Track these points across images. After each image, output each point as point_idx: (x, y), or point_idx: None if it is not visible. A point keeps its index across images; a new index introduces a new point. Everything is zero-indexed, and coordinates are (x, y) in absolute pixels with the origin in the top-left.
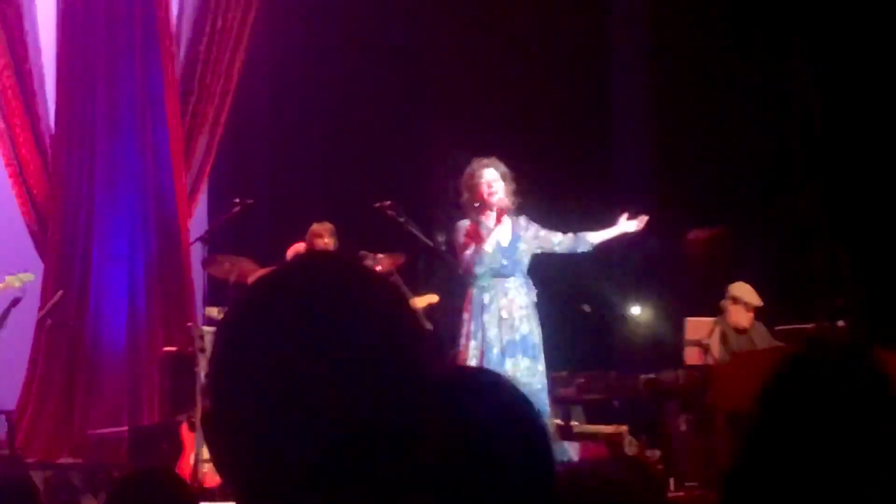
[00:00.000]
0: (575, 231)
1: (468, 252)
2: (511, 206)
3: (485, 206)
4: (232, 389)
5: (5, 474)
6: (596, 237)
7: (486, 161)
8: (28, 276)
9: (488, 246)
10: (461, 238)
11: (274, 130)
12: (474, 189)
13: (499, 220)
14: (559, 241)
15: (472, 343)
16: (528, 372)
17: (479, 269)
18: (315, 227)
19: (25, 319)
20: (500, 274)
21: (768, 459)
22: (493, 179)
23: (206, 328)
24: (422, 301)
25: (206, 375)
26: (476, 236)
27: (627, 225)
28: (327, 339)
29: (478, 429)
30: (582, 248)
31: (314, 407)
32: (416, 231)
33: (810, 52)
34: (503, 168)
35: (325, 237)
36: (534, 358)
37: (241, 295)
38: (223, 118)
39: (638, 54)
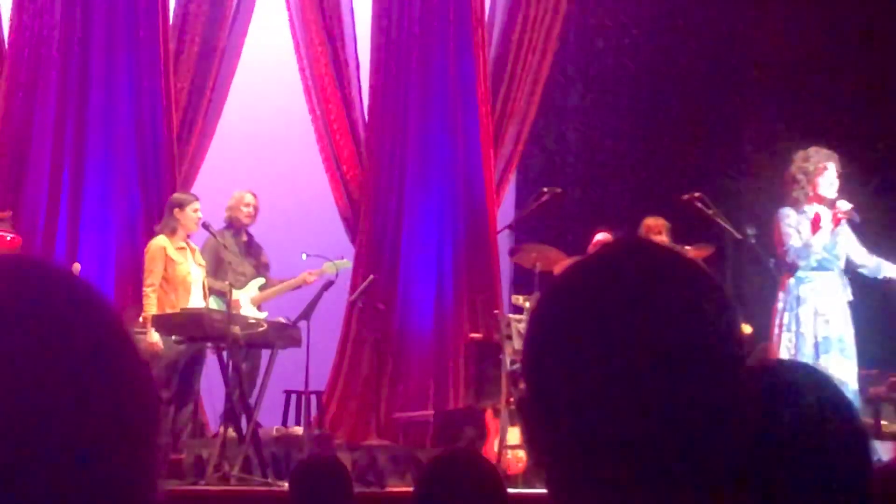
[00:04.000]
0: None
1: (796, 244)
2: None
3: (819, 198)
4: (545, 377)
5: (318, 453)
6: (891, 271)
7: (827, 153)
8: (345, 263)
9: (819, 239)
10: (786, 227)
11: (584, 119)
12: (814, 179)
13: (836, 219)
14: (863, 263)
15: (786, 335)
16: (845, 371)
17: (803, 263)
18: (650, 221)
19: (337, 302)
20: (821, 267)
21: None
22: (835, 175)
23: (512, 316)
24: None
25: (521, 362)
26: (815, 224)
27: None
28: (644, 328)
29: (797, 424)
30: (877, 276)
31: (629, 396)
32: (724, 223)
33: None
34: (839, 166)
35: (662, 233)
36: (850, 358)
37: (555, 281)
38: (533, 107)
39: None
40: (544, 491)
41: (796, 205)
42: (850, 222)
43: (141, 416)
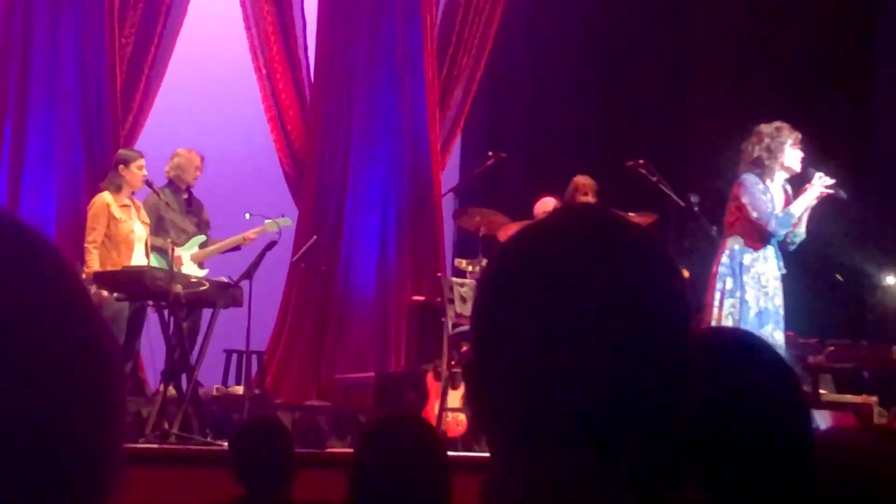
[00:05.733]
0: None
1: (777, 212)
2: None
3: (784, 171)
4: (493, 341)
5: (258, 413)
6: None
7: (791, 128)
8: (286, 221)
9: (798, 208)
10: (758, 193)
11: (529, 84)
12: (786, 150)
13: (822, 194)
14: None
15: (729, 301)
16: (779, 343)
17: (783, 231)
18: (581, 179)
19: (279, 263)
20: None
21: None
22: (799, 154)
23: (454, 279)
24: None
25: (470, 324)
26: (788, 198)
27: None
28: (592, 294)
29: (740, 392)
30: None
31: (576, 362)
32: (668, 190)
33: None
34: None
35: (589, 194)
36: (782, 331)
37: (506, 245)
38: (479, 71)
39: None
40: (484, 454)
41: (762, 175)
42: (836, 198)
43: (103, 368)
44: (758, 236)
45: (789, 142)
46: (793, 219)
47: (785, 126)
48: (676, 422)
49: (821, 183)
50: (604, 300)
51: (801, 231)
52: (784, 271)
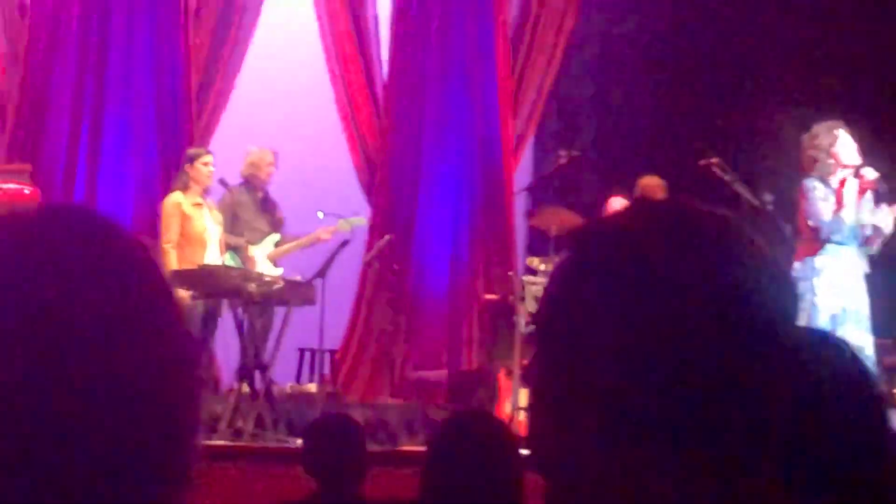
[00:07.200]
0: None
1: (827, 219)
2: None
3: (844, 167)
4: (562, 337)
5: (331, 411)
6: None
7: (831, 123)
8: (360, 220)
9: (848, 213)
10: (816, 199)
11: (602, 83)
12: (832, 151)
13: (862, 189)
14: (878, 222)
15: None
16: (861, 343)
17: (837, 237)
18: (648, 180)
19: (352, 261)
20: (839, 240)
21: None
22: (850, 140)
23: (526, 278)
24: None
25: (534, 322)
26: (840, 199)
27: None
28: (671, 289)
29: (817, 390)
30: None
31: (653, 358)
32: (742, 190)
33: None
34: (848, 130)
35: (659, 195)
36: (866, 330)
37: (576, 241)
38: (553, 69)
39: None
40: None
41: (823, 176)
42: (876, 192)
43: (186, 370)
44: (817, 241)
45: (840, 137)
46: (842, 223)
47: (821, 127)
48: (754, 427)
49: (866, 176)
50: (690, 295)
51: (887, 229)
52: (868, 270)
